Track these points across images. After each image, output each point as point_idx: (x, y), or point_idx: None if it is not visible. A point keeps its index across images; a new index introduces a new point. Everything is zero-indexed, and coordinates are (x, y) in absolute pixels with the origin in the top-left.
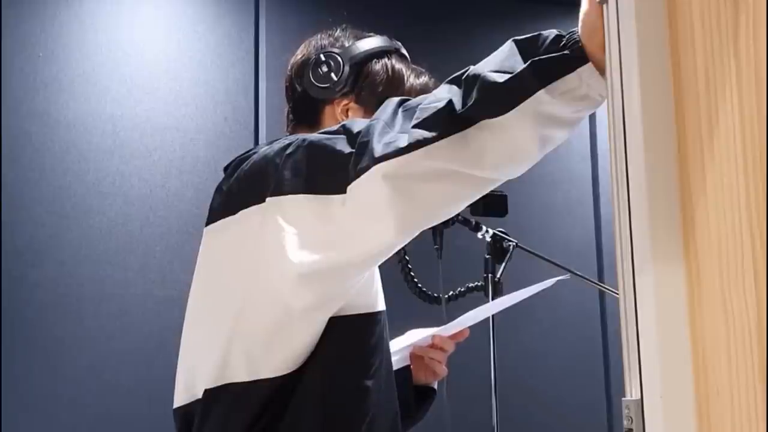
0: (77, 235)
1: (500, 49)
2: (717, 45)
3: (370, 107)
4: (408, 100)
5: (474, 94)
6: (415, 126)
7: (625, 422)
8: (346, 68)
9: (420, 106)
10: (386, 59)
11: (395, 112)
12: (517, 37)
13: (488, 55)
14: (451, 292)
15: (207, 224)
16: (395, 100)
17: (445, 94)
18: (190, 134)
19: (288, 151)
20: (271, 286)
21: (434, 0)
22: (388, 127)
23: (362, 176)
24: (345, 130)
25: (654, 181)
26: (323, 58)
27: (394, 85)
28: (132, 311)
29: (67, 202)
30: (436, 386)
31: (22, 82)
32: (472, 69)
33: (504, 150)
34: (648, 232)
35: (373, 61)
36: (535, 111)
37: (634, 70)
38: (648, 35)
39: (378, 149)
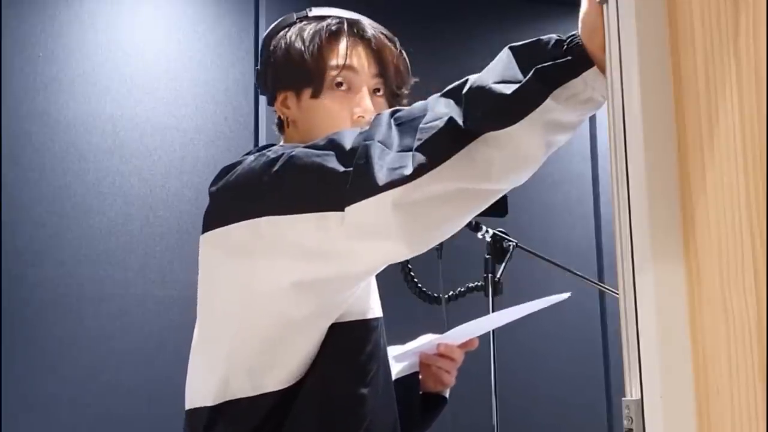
0: (77, 235)
1: (498, 58)
2: (717, 44)
3: (294, 86)
4: (398, 111)
5: (480, 108)
6: (418, 149)
7: (625, 422)
8: (265, 66)
9: (420, 126)
10: (285, 35)
11: (389, 127)
12: (514, 44)
13: (487, 55)
14: (451, 292)
15: (202, 231)
16: (386, 113)
17: (443, 109)
18: (190, 134)
19: (275, 169)
20: (268, 301)
21: (434, 0)
22: (386, 146)
23: (367, 201)
24: (334, 146)
25: (654, 181)
26: (257, 66)
27: (290, 55)
28: (132, 311)
29: (67, 202)
30: (447, 395)
31: (22, 82)
32: (473, 81)
33: (512, 160)
34: (648, 232)
35: (276, 45)
36: (543, 119)
37: (634, 70)
38: (648, 34)
39: (382, 176)
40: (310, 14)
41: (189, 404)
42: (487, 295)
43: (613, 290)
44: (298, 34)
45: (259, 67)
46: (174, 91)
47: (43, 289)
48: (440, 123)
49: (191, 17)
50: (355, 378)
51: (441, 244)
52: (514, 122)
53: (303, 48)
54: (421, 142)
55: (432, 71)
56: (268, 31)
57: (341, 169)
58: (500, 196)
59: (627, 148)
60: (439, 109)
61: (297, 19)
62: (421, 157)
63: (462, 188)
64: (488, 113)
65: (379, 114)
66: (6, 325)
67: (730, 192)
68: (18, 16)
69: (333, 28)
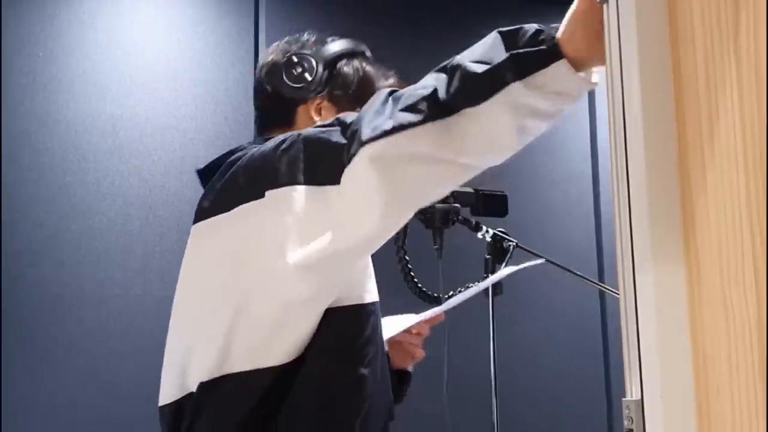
0: (77, 235)
1: (484, 39)
2: (717, 42)
3: (341, 105)
4: (397, 90)
5: (455, 83)
6: (401, 110)
7: (625, 422)
8: (320, 68)
9: (407, 94)
10: (356, 61)
11: (385, 101)
12: (501, 29)
13: None
14: (451, 292)
15: (196, 221)
16: (386, 90)
17: (432, 81)
18: (190, 134)
19: (283, 147)
20: (271, 279)
21: (433, 0)
22: (378, 114)
23: (352, 161)
24: (339, 122)
25: (654, 179)
26: (296, 60)
27: (365, 84)
28: (132, 311)
29: (67, 202)
30: (411, 369)
31: (22, 82)
32: (456, 58)
33: (482, 138)
34: (648, 231)
35: (344, 62)
36: (511, 102)
37: (634, 68)
38: (648, 33)
39: (365, 133)
40: (368, 54)
41: (169, 396)
42: (487, 296)
43: (613, 290)
44: (369, 66)
45: (306, 62)
46: (174, 91)
47: (43, 289)
48: (425, 92)
49: (191, 17)
50: (356, 359)
51: (441, 244)
52: (483, 100)
53: (379, 83)
54: (404, 105)
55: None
56: (335, 40)
57: (342, 141)
58: (473, 174)
59: (627, 147)
60: (427, 81)
61: (362, 51)
62: (401, 117)
63: (435, 155)
64: (461, 89)
65: (379, 90)
66: (6, 325)
67: (731, 191)
68: (18, 15)
69: (390, 79)
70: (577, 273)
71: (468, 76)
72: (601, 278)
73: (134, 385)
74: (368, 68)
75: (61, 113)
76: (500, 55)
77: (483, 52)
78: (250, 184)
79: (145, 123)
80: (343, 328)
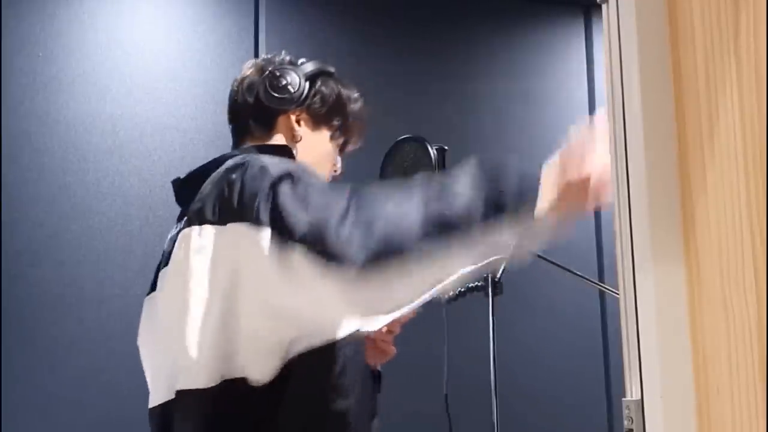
0: (77, 235)
1: (463, 180)
2: (717, 42)
3: (318, 119)
4: (359, 194)
5: (437, 236)
6: (379, 240)
7: (625, 422)
8: (302, 82)
9: (378, 229)
10: (331, 81)
11: (348, 207)
12: (479, 170)
13: (487, 55)
14: (451, 292)
15: (187, 226)
16: (343, 193)
17: (416, 211)
18: (190, 134)
19: (267, 189)
20: (248, 295)
21: (434, 0)
22: (343, 220)
23: (330, 271)
24: (306, 201)
25: (654, 179)
26: (279, 73)
27: (339, 104)
28: (132, 311)
29: (66, 202)
30: (380, 368)
31: (22, 82)
32: (436, 206)
33: (460, 259)
34: (648, 231)
35: (321, 80)
36: (494, 242)
37: (634, 68)
38: (648, 33)
39: (347, 253)
40: (336, 75)
41: (158, 399)
42: (487, 296)
43: (613, 290)
44: (344, 89)
45: (289, 76)
46: (174, 91)
47: (43, 289)
48: (409, 224)
49: (191, 17)
50: (333, 395)
51: None
52: (472, 247)
53: (350, 104)
54: (384, 238)
55: (432, 71)
56: (308, 61)
57: (304, 229)
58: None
59: (627, 147)
60: (404, 209)
61: (333, 73)
62: (381, 248)
63: (418, 276)
64: (448, 244)
65: (345, 189)
66: (6, 325)
67: (731, 191)
68: (18, 15)
69: (357, 103)
70: (577, 273)
71: (454, 233)
72: (601, 278)
73: (134, 385)
74: (341, 89)
75: (61, 113)
76: (483, 205)
77: (467, 204)
78: (240, 205)
79: (145, 123)
80: (316, 370)
